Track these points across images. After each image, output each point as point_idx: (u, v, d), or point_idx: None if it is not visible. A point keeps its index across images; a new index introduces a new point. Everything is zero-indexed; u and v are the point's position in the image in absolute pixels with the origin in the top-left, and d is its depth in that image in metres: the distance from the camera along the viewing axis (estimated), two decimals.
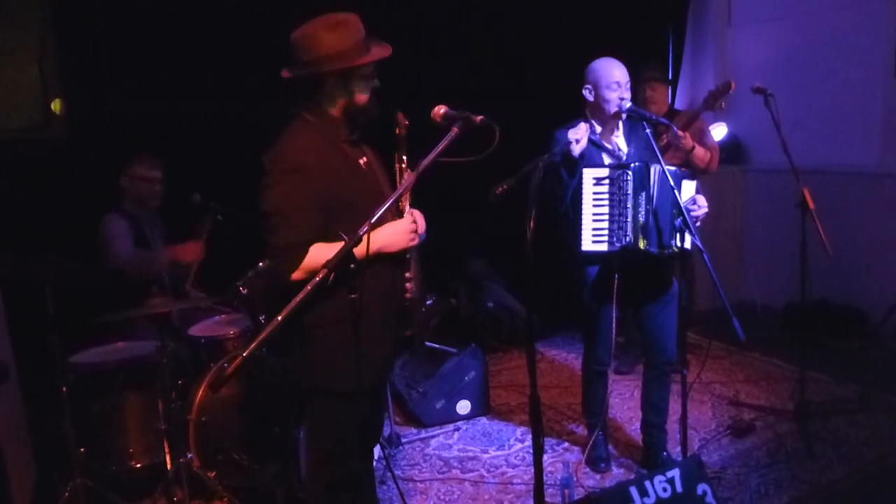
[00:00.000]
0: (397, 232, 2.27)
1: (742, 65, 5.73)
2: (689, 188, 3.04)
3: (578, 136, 2.92)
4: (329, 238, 2.18)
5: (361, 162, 2.34)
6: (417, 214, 2.39)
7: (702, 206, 3.00)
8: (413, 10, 4.69)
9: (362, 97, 2.28)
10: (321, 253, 2.11)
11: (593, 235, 3.02)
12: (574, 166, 2.95)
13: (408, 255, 2.35)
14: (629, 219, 2.96)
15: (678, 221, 2.89)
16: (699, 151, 3.91)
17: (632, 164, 2.98)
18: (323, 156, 2.22)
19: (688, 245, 2.96)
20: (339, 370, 2.24)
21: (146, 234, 3.75)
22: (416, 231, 2.32)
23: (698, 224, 2.96)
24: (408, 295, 2.37)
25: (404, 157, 2.35)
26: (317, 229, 2.18)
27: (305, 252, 2.15)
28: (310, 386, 2.36)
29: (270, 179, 2.17)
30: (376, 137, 2.43)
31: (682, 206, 2.82)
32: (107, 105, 3.93)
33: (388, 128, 2.37)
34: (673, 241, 2.96)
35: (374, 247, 2.05)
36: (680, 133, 3.75)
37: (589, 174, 2.99)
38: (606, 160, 3.11)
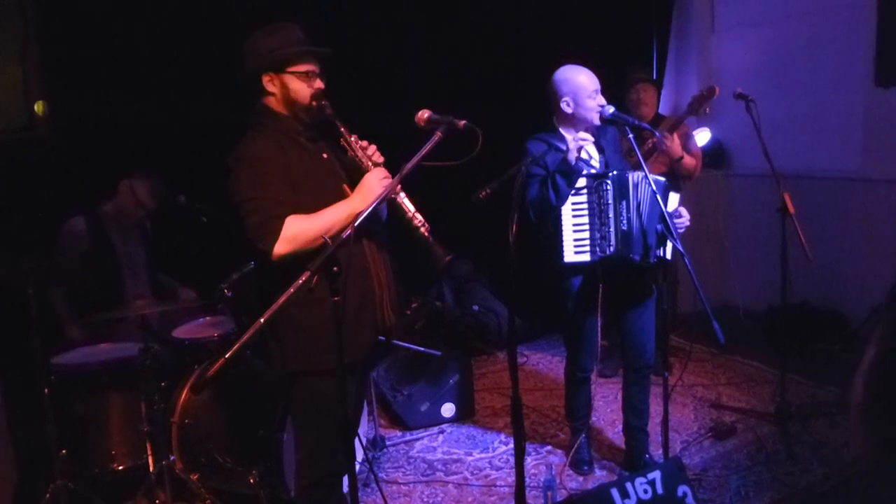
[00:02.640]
0: (369, 183, 2.29)
1: (725, 69, 5.77)
2: (672, 200, 3.02)
3: (584, 143, 2.86)
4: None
5: (323, 155, 2.43)
6: None
7: (685, 219, 3.01)
8: (399, 13, 4.69)
9: (298, 91, 2.34)
10: (299, 224, 2.21)
11: (575, 246, 3.01)
12: (574, 175, 2.89)
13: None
14: (612, 228, 2.97)
15: (660, 227, 2.90)
16: (686, 159, 3.95)
17: (610, 174, 2.98)
18: (282, 146, 2.32)
19: (668, 254, 2.97)
20: (321, 348, 2.24)
21: (111, 240, 3.69)
22: (386, 175, 2.32)
23: (680, 232, 2.97)
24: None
25: (342, 130, 2.36)
26: (288, 203, 2.25)
27: (282, 223, 2.20)
28: (296, 368, 2.36)
29: (235, 173, 2.28)
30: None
31: (664, 212, 2.83)
32: (90, 106, 3.90)
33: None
34: (656, 248, 2.96)
35: (361, 207, 2.16)
36: (667, 136, 3.77)
37: None
38: (583, 170, 3.10)
